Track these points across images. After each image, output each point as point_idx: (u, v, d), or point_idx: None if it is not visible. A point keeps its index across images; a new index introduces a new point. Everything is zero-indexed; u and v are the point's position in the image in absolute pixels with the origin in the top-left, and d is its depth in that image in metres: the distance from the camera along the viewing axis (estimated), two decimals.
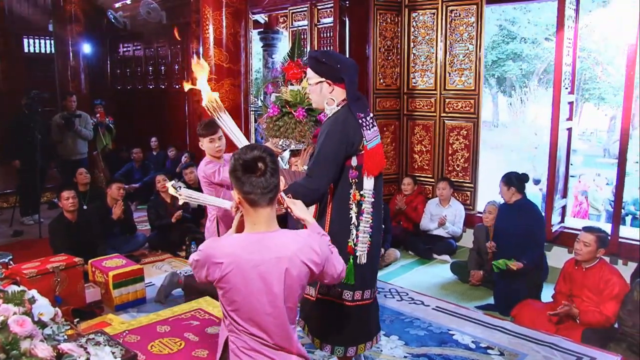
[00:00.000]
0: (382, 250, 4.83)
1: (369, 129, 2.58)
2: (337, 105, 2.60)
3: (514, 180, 4.19)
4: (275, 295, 1.71)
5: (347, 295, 2.58)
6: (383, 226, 2.82)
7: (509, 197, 4.21)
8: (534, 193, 8.71)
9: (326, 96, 2.61)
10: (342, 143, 2.53)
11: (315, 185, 2.54)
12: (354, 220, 2.57)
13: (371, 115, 2.67)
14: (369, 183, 2.57)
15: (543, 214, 4.62)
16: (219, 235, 3.70)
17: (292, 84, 3.38)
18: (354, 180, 2.57)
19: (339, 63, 2.59)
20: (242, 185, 1.71)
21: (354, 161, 2.56)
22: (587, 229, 3.53)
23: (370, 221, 2.58)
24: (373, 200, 2.58)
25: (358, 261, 2.57)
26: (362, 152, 2.56)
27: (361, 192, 2.57)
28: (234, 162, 1.73)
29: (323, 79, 2.59)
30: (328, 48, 5.79)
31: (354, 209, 2.57)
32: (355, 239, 2.56)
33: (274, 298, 1.71)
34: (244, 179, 1.70)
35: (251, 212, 1.75)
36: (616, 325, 3.38)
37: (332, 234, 2.43)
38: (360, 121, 2.55)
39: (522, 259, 4.01)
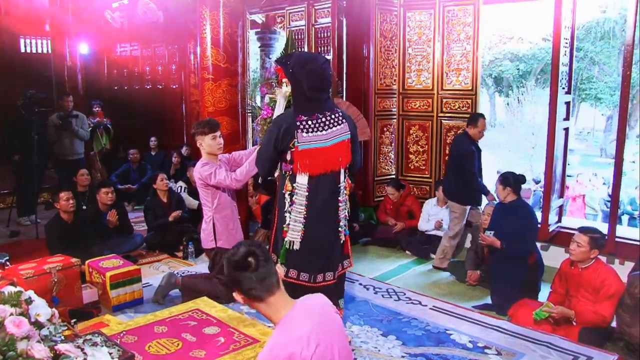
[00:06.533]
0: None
1: (311, 132, 2.80)
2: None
3: (511, 181, 4.19)
4: (346, 344, 1.84)
5: (281, 269, 2.91)
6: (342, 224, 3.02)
7: (504, 196, 4.21)
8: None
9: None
10: (271, 138, 2.87)
11: (258, 167, 3.07)
12: (287, 207, 2.87)
13: (328, 119, 2.84)
14: (302, 178, 2.83)
15: (540, 213, 4.64)
16: (215, 236, 3.70)
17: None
18: (287, 173, 2.88)
19: (292, 68, 2.84)
20: (240, 284, 1.72)
21: (288, 155, 2.86)
22: (582, 230, 3.52)
23: (304, 212, 2.84)
24: (307, 194, 2.83)
25: (289, 246, 2.87)
26: (294, 150, 2.82)
27: (293, 184, 2.85)
28: (226, 264, 1.75)
29: (287, 79, 2.90)
30: (326, 48, 5.79)
31: (287, 198, 2.87)
32: (288, 226, 2.87)
33: (345, 346, 1.83)
34: (239, 277, 1.72)
35: (263, 306, 1.75)
36: (614, 324, 3.38)
37: (277, 217, 2.94)
38: (298, 123, 2.79)
39: (505, 246, 4.03)
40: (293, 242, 2.87)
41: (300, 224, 2.84)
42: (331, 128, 2.83)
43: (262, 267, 1.71)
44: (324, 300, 1.86)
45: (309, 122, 2.78)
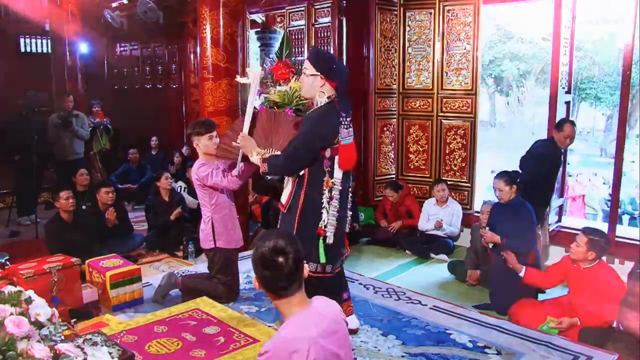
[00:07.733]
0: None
1: (346, 128, 2.96)
2: (327, 98, 2.95)
3: (517, 179, 4.16)
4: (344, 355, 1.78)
5: (307, 268, 2.94)
6: (351, 213, 3.18)
7: (509, 195, 4.14)
8: None
9: (317, 89, 2.96)
10: (318, 135, 2.91)
11: (285, 164, 2.97)
12: (325, 204, 2.95)
13: (350, 117, 3.01)
14: (338, 173, 2.97)
15: None
16: (214, 237, 3.69)
17: (280, 85, 3.38)
18: (327, 169, 2.95)
19: (335, 64, 3.00)
20: (263, 279, 1.72)
21: (328, 152, 2.94)
22: (585, 230, 3.51)
23: (338, 206, 2.98)
24: (341, 188, 2.98)
25: (327, 241, 2.96)
26: (336, 146, 2.93)
27: (332, 180, 2.95)
28: (254, 253, 1.72)
29: (318, 73, 2.93)
30: (325, 48, 5.80)
31: (326, 194, 2.95)
32: (325, 222, 2.94)
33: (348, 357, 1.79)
34: (264, 273, 1.70)
35: (277, 302, 1.75)
36: (614, 324, 3.38)
37: (304, 216, 2.95)
38: (341, 119, 2.93)
39: (506, 242, 4.02)
40: (329, 237, 2.97)
41: (335, 218, 2.97)
42: (350, 127, 3.00)
43: (290, 270, 1.69)
44: (337, 308, 1.87)
45: (347, 119, 2.96)
